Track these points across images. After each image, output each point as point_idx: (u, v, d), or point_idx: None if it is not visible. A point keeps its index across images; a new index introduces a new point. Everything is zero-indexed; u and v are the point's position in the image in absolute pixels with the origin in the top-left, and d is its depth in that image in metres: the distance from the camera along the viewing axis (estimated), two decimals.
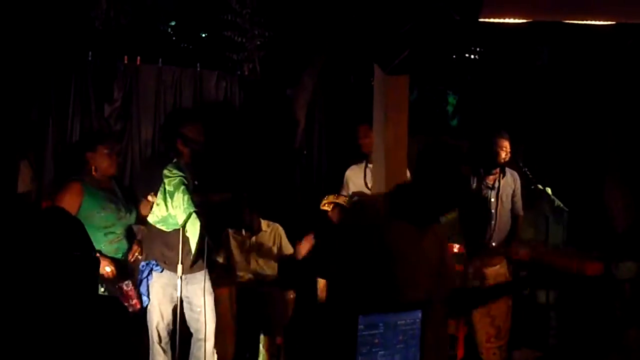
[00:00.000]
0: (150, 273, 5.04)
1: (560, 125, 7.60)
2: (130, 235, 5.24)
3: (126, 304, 4.82)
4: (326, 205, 5.59)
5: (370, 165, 5.66)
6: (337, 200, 5.61)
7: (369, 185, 5.64)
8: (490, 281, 5.59)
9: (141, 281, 5.07)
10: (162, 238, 4.94)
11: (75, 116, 6.35)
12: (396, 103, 4.06)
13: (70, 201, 4.84)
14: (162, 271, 4.99)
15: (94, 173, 5.05)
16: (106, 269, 4.92)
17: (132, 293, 4.95)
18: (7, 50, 5.52)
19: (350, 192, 5.75)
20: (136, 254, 5.22)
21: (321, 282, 6.02)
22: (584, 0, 4.13)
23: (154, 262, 5.01)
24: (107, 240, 4.98)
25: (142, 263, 5.10)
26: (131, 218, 5.16)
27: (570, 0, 4.09)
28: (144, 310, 5.08)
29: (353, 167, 5.84)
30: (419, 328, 3.03)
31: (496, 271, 5.60)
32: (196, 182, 4.94)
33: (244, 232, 6.33)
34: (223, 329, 5.48)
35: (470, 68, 9.10)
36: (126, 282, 4.94)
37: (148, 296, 5.05)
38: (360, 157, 5.88)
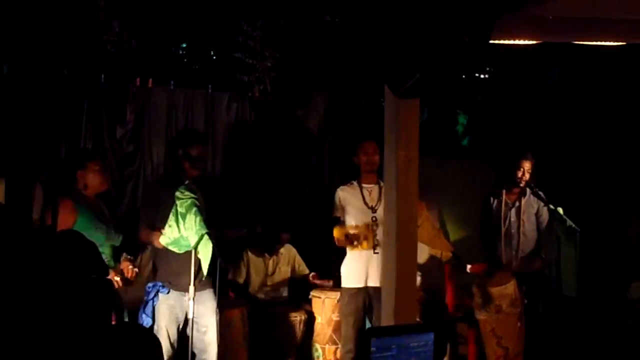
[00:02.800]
0: (156, 295, 5.03)
1: (571, 144, 7.59)
2: (116, 259, 5.15)
3: None
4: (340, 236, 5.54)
5: (365, 186, 5.65)
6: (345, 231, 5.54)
7: (370, 206, 5.61)
8: (495, 301, 5.56)
9: (147, 302, 5.05)
10: (171, 259, 4.94)
11: (87, 138, 6.39)
12: (407, 124, 4.07)
13: (65, 220, 4.64)
14: (168, 292, 4.99)
15: (84, 191, 4.99)
16: (115, 278, 4.87)
17: None
18: (20, 72, 5.57)
19: (346, 214, 5.67)
20: (130, 268, 5.15)
21: (327, 302, 6.03)
22: (593, 21, 4.14)
23: (160, 283, 5.01)
24: None
25: (149, 284, 5.09)
26: (118, 240, 5.10)
27: (580, 22, 4.10)
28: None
29: (344, 187, 5.71)
30: (431, 350, 3.02)
31: (500, 291, 5.56)
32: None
33: (263, 253, 6.37)
34: (235, 350, 5.48)
35: (480, 88, 9.12)
36: None
37: (153, 318, 5.03)
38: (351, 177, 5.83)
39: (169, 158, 5.96)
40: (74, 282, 2.60)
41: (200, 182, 5.03)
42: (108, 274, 2.92)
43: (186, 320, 4.98)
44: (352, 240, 5.49)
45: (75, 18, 6.41)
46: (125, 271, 5.09)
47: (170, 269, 4.96)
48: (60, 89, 6.23)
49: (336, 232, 5.51)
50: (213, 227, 4.77)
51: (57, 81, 6.22)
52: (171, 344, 4.99)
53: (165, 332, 4.98)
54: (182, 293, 4.94)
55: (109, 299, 2.78)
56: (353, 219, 5.59)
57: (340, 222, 5.61)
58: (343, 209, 5.63)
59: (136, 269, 5.19)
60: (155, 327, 5.01)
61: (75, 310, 2.58)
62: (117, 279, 4.90)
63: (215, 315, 5.07)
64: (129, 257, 5.21)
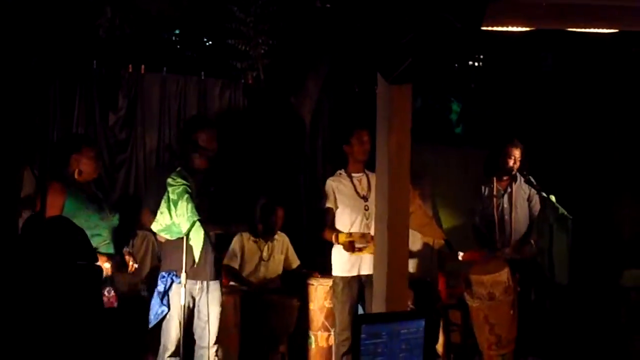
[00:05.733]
0: (171, 284, 5.02)
1: (564, 132, 7.60)
2: (117, 242, 5.02)
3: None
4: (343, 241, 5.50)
5: (354, 175, 5.62)
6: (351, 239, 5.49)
7: (362, 195, 5.57)
8: (489, 289, 5.56)
9: (164, 293, 5.02)
10: (178, 247, 4.93)
11: (79, 124, 6.37)
12: (399, 111, 4.06)
13: (53, 201, 4.58)
14: (181, 282, 4.97)
15: (77, 176, 4.86)
16: (105, 265, 4.73)
17: (114, 300, 4.87)
18: (11, 58, 5.53)
19: (340, 203, 5.62)
20: (132, 263, 5.12)
21: (319, 289, 6.02)
22: (587, 9, 4.13)
23: (174, 272, 5.00)
24: (95, 244, 4.63)
25: (163, 273, 5.09)
26: (115, 220, 4.98)
27: (573, 9, 4.09)
28: (160, 319, 5.07)
29: (334, 178, 5.64)
30: (422, 337, 3.03)
31: (494, 279, 5.55)
32: (212, 189, 4.95)
33: (258, 238, 6.35)
34: (227, 337, 5.48)
35: (473, 75, 9.12)
36: (107, 288, 4.84)
37: (168, 306, 5.02)
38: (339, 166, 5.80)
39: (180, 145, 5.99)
40: (62, 269, 2.59)
41: (209, 174, 5.05)
42: (97, 260, 2.91)
43: (194, 308, 5.05)
44: (354, 248, 5.44)
45: (67, 3, 6.37)
46: (127, 263, 5.06)
47: (181, 258, 4.93)
48: (51, 74, 6.20)
49: (341, 238, 5.42)
50: (219, 222, 4.77)
51: (47, 67, 6.18)
52: (181, 331, 4.98)
53: (177, 321, 4.98)
54: (194, 282, 4.97)
55: (98, 285, 2.77)
56: (346, 208, 5.55)
57: (332, 213, 5.55)
58: (335, 200, 5.59)
59: (136, 265, 5.15)
60: (168, 315, 5.00)
61: (64, 297, 2.57)
62: (107, 266, 4.81)
63: (219, 307, 5.08)
64: (130, 251, 5.18)
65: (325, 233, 5.52)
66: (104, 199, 5.11)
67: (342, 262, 5.53)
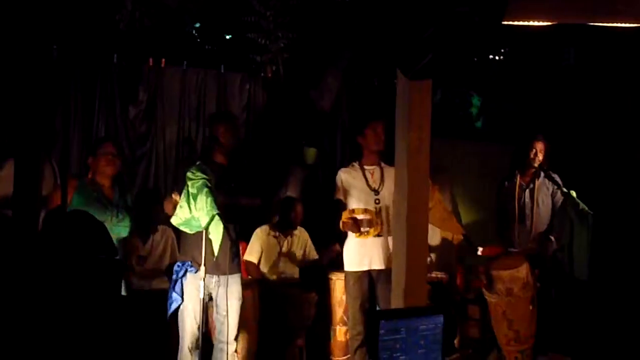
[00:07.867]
0: (185, 274, 5.02)
1: (585, 127, 7.53)
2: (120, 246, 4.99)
3: None
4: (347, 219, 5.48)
5: (367, 167, 5.58)
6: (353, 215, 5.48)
7: (373, 188, 5.51)
8: (507, 284, 5.52)
9: (176, 282, 5.04)
10: (195, 239, 4.93)
11: (100, 118, 6.41)
12: (419, 106, 4.04)
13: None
14: (196, 272, 4.96)
15: (90, 175, 5.00)
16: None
17: None
18: (32, 51, 5.56)
19: (349, 196, 5.59)
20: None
21: (338, 283, 6.02)
22: (609, 3, 4.09)
23: (189, 262, 5.00)
24: None
25: (178, 263, 5.10)
26: (120, 226, 5.01)
27: (596, 2, 4.05)
28: (175, 312, 5.08)
29: (345, 169, 5.60)
30: (440, 332, 3.03)
31: (511, 274, 5.50)
32: (233, 185, 4.96)
33: (277, 233, 6.36)
34: (245, 331, 5.49)
35: (494, 69, 9.05)
36: None
37: (182, 297, 5.03)
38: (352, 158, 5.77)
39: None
40: (81, 262, 2.61)
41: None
42: (117, 254, 2.92)
43: (210, 301, 5.03)
44: (359, 226, 5.41)
45: None
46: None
47: (196, 250, 4.92)
48: (72, 68, 6.24)
49: (344, 216, 5.43)
50: (228, 194, 4.81)
51: (69, 60, 6.22)
52: (197, 324, 4.98)
53: (191, 312, 4.97)
54: (210, 275, 4.94)
55: (118, 280, 2.78)
56: (356, 202, 5.51)
57: (343, 205, 5.53)
58: (345, 192, 5.54)
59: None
60: (182, 306, 5.01)
61: (84, 290, 2.59)
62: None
63: (238, 301, 5.07)
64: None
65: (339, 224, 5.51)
66: (121, 205, 5.11)
67: (352, 257, 5.50)
